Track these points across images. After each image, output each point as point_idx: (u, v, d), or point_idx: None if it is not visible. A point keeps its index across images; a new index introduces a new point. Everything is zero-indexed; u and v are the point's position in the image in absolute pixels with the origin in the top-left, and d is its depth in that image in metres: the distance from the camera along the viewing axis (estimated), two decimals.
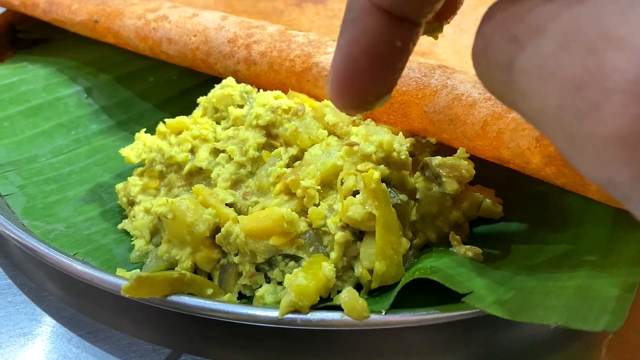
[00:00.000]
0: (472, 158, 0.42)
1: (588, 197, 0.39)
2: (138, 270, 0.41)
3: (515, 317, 0.33)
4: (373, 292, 0.38)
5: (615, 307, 0.32)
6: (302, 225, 0.39)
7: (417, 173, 0.41)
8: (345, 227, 0.38)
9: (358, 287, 0.38)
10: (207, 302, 0.36)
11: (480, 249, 0.39)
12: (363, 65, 0.29)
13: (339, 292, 0.38)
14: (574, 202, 0.42)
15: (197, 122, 0.46)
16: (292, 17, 0.70)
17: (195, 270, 0.41)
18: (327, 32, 0.67)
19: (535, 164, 0.39)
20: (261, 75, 0.48)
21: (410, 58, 0.44)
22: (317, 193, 0.39)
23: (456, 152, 0.41)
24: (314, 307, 0.35)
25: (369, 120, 0.44)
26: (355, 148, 0.39)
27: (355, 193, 0.38)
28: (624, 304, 0.33)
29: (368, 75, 0.29)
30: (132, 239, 0.44)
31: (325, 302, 0.36)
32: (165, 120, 0.47)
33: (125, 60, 0.59)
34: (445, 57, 0.62)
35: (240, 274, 0.40)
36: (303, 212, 0.39)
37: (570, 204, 0.42)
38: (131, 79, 0.60)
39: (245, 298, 0.40)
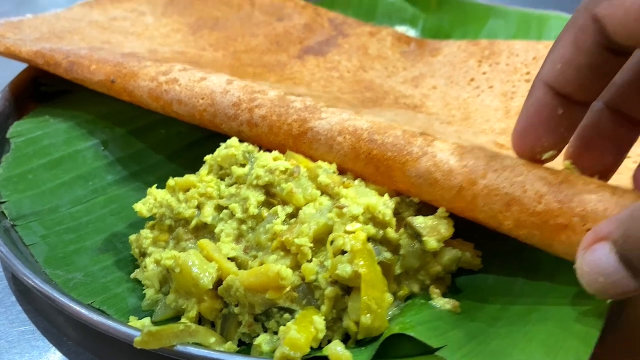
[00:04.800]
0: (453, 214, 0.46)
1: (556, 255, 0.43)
2: (149, 318, 0.45)
3: None
4: (360, 342, 0.42)
5: None
6: (296, 279, 0.43)
7: (402, 230, 0.46)
8: (335, 282, 0.42)
9: (347, 336, 0.43)
10: (211, 352, 0.40)
11: (457, 302, 0.43)
12: (533, 124, 0.41)
13: (329, 341, 0.42)
14: (547, 257, 0.46)
15: (203, 180, 0.50)
16: (294, 70, 0.75)
17: (200, 318, 0.45)
18: (326, 84, 0.72)
19: (507, 226, 0.43)
20: (262, 137, 0.53)
21: (394, 125, 0.49)
22: (309, 250, 0.43)
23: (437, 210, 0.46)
24: (305, 357, 0.40)
25: (359, 180, 0.48)
26: (345, 210, 0.44)
27: (345, 251, 0.43)
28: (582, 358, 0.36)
29: (536, 132, 0.41)
30: (144, 287, 0.49)
31: (316, 351, 0.41)
32: (175, 178, 0.51)
33: (138, 115, 0.64)
34: (435, 110, 0.66)
35: (240, 323, 0.44)
36: (297, 266, 0.44)
37: (543, 258, 0.46)
38: (144, 132, 0.65)
39: (245, 345, 0.44)
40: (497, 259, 0.48)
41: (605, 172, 0.45)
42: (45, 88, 0.70)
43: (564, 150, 0.44)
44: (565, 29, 0.39)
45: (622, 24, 0.35)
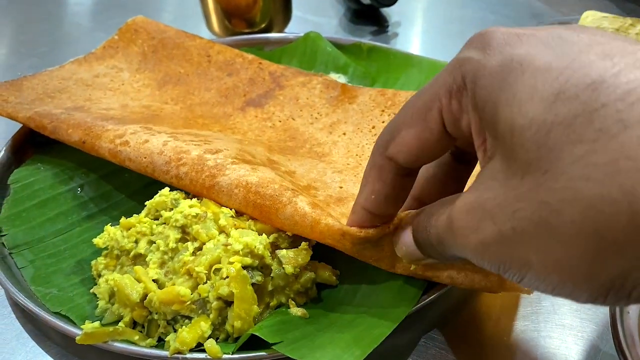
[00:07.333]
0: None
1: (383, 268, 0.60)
2: (98, 322, 0.64)
3: (301, 358, 0.54)
4: (236, 339, 0.60)
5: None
6: (195, 296, 0.61)
7: (275, 258, 0.64)
8: (219, 298, 0.60)
9: (229, 335, 0.61)
10: (128, 346, 0.59)
11: (305, 310, 0.61)
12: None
13: (217, 338, 0.61)
14: (379, 279, 0.63)
15: (140, 221, 0.69)
16: (236, 121, 0.92)
17: (135, 321, 0.64)
18: (259, 134, 0.89)
19: (348, 248, 0.60)
20: (186, 187, 0.71)
21: (276, 179, 0.66)
22: (204, 275, 0.62)
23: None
24: (192, 350, 0.58)
25: (250, 222, 0.66)
26: (229, 247, 0.62)
27: (227, 277, 0.61)
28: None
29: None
30: (98, 299, 0.68)
31: (200, 346, 0.59)
32: (122, 219, 0.70)
33: (107, 163, 0.82)
34: (335, 159, 0.83)
35: (159, 326, 0.63)
36: (196, 286, 0.62)
37: (377, 280, 0.64)
38: (111, 176, 0.84)
39: (162, 341, 0.63)
40: (348, 278, 0.66)
41: None
42: (40, 138, 0.90)
43: None
44: (370, 170, 0.52)
45: (405, 155, 0.49)
